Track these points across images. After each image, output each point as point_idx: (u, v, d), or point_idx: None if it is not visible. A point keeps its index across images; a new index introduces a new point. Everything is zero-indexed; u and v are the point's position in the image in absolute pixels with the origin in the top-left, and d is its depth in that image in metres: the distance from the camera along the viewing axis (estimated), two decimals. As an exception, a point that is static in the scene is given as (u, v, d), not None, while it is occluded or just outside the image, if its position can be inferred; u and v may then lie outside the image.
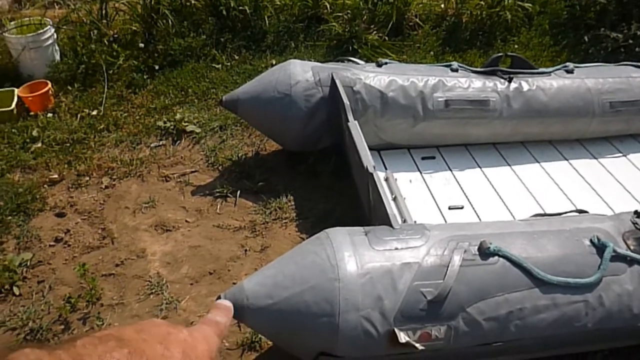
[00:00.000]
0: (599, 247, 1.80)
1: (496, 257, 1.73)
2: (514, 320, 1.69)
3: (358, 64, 2.84)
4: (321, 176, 2.83)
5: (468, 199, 2.57)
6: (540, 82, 2.83)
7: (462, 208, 2.53)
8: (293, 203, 2.69)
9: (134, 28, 3.95)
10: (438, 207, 2.52)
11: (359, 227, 1.83)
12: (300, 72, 2.70)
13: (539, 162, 2.83)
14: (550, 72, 2.91)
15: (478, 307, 1.67)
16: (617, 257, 1.79)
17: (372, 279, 1.64)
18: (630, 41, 3.61)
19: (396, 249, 1.72)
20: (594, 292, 1.74)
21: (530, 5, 4.10)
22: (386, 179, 2.57)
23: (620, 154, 2.90)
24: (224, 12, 3.96)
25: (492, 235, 1.82)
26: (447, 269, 1.66)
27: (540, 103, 2.78)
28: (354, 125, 2.42)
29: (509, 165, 2.81)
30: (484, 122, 2.76)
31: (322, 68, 2.75)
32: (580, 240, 1.83)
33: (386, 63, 2.84)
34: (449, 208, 2.51)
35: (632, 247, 1.83)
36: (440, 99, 2.70)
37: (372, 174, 2.13)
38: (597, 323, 1.75)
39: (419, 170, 2.74)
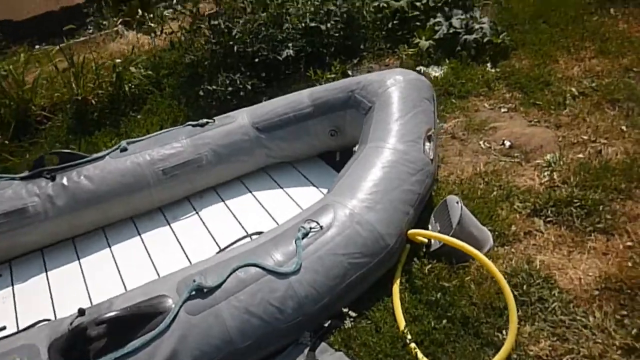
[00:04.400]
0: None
1: None
2: None
3: None
4: None
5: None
6: (90, 170, 2.86)
7: (4, 328, 2.45)
8: None
9: None
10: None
11: None
12: None
13: (110, 246, 2.86)
14: (105, 155, 2.96)
15: None
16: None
17: None
18: (230, 88, 3.82)
19: None
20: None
21: (152, 73, 4.22)
22: None
23: (194, 212, 3.02)
24: None
25: None
26: None
27: (87, 192, 2.80)
28: None
29: (79, 259, 2.80)
30: (32, 229, 2.73)
31: None
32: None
33: None
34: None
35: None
36: (-30, 221, 2.62)
37: None
38: None
39: (-24, 298, 2.63)
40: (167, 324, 1.94)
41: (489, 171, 3.01)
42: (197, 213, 3.01)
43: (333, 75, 3.99)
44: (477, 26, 4.27)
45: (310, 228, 2.24)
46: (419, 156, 2.57)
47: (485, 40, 4.18)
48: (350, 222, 2.27)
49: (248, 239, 2.62)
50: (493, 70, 4.00)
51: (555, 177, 2.86)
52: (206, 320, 1.98)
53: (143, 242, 2.85)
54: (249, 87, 3.80)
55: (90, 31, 5.58)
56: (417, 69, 4.17)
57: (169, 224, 2.96)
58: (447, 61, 4.19)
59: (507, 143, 3.26)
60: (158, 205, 3.02)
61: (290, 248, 2.18)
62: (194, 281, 2.04)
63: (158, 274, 2.62)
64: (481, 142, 3.32)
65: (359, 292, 2.28)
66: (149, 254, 2.77)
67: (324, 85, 3.26)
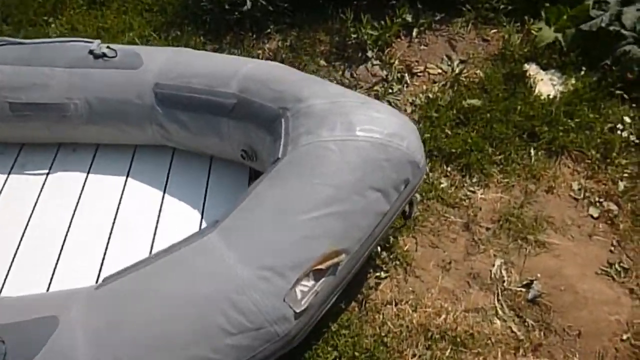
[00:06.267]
0: None
1: None
2: None
3: None
4: None
5: None
6: None
7: None
8: None
9: None
10: None
11: None
12: None
13: None
14: None
15: None
16: None
17: None
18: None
19: None
20: None
21: None
22: None
23: (45, 172, 2.13)
24: None
25: None
26: None
27: None
28: None
29: None
30: None
31: None
32: None
33: None
34: None
35: None
36: None
37: None
38: None
39: None
40: None
41: (452, 335, 1.69)
42: (48, 174, 2.13)
43: (376, 33, 2.54)
44: (663, 35, 2.39)
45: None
46: (266, 303, 1.36)
47: (660, 66, 2.35)
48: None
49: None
50: (630, 130, 2.26)
51: None
52: None
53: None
54: (249, 3, 2.56)
55: None
56: (526, 66, 2.55)
57: (9, 174, 2.14)
58: (581, 73, 2.48)
59: (535, 289, 1.82)
60: (10, 141, 2.19)
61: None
62: None
63: None
64: (497, 262, 1.90)
65: None
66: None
67: (271, 67, 1.93)
